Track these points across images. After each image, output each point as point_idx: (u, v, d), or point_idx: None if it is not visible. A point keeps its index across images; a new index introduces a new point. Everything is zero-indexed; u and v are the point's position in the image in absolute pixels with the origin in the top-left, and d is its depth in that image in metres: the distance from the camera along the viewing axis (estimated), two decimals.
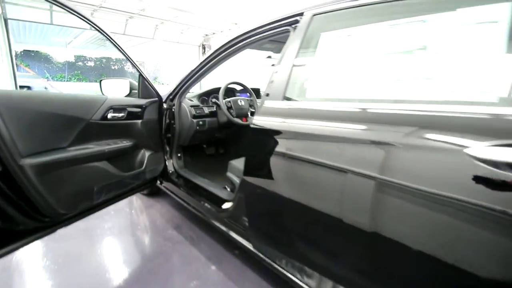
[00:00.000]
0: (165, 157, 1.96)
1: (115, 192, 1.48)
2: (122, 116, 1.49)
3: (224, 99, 2.04)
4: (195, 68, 1.72)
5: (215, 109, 2.12)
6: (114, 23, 7.09)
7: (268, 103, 1.11)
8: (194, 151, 2.35)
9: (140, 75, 1.60)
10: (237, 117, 2.03)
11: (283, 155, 0.98)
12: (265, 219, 1.19)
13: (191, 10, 6.56)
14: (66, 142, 1.22)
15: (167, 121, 1.91)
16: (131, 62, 1.49)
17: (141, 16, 6.94)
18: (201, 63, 1.67)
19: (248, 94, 2.49)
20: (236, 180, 1.61)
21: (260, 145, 1.10)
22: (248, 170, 1.16)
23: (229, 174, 1.71)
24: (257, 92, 2.65)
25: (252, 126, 1.12)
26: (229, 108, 2.03)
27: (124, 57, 1.46)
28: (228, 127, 2.20)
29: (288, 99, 1.06)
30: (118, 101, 1.48)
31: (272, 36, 1.33)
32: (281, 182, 1.01)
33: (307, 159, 0.90)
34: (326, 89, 0.99)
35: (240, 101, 2.11)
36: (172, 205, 2.22)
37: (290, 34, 1.16)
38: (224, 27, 8.06)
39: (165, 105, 1.88)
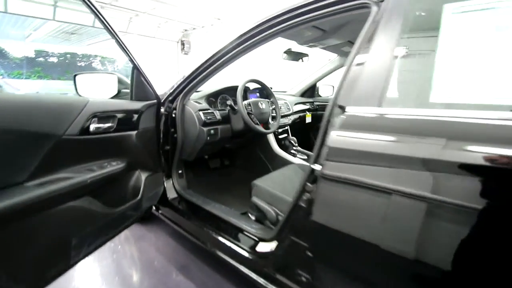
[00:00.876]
0: (163, 176, 1.50)
1: (102, 238, 1.01)
2: (111, 127, 1.03)
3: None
4: (207, 60, 1.29)
5: (227, 113, 1.70)
6: (83, 14, 6.27)
7: (355, 111, 0.74)
8: (196, 165, 1.90)
9: (135, 68, 1.14)
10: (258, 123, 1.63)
11: (388, 190, 0.62)
12: (340, 276, 0.81)
13: (171, 2, 5.97)
14: (24, 173, 0.75)
15: (166, 129, 1.46)
16: (122, 48, 1.04)
17: (113, 7, 6.21)
18: (217, 52, 1.25)
19: (258, 94, 2.09)
20: (268, 209, 1.22)
21: (347, 169, 0.73)
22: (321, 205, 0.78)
23: (255, 199, 1.31)
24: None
25: (332, 145, 0.74)
26: (249, 113, 1.62)
27: (116, 42, 1.00)
28: (242, 135, 1.79)
29: (392, 104, 0.70)
30: (104, 105, 1.02)
31: (326, 17, 0.96)
32: (386, 227, 0.65)
33: (444, 201, 0.54)
34: (466, 89, 0.64)
35: (261, 104, 1.71)
36: (170, 235, 1.76)
37: (373, 10, 0.80)
38: (206, 22, 7.53)
39: (162, 109, 1.43)
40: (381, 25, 0.75)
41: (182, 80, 1.42)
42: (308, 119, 2.61)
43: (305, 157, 1.94)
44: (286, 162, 1.94)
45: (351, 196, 0.70)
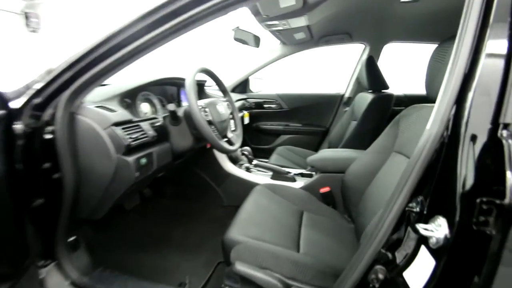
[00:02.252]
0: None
1: None
2: None
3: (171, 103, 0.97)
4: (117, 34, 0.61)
5: (163, 124, 1.00)
6: None
7: None
8: None
9: None
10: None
11: None
12: None
13: None
14: None
15: (32, 165, 0.67)
16: None
17: None
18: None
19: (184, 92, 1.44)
20: (268, 279, 0.74)
21: None
22: None
23: (241, 267, 0.78)
24: (201, 86, 1.63)
25: None
26: (209, 122, 0.98)
27: None
28: (184, 154, 1.13)
29: None
30: None
31: None
32: None
33: None
34: None
35: (220, 106, 1.10)
36: None
37: None
38: None
39: (19, 125, 0.63)
40: None
41: (62, 68, 0.66)
42: (246, 119, 2.15)
43: (269, 172, 1.50)
44: (245, 184, 1.43)
45: None
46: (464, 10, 0.52)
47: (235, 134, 1.21)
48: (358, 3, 1.35)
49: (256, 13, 1.18)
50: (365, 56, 1.96)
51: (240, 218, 0.97)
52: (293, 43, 1.88)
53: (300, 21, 1.30)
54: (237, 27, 1.39)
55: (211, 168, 1.48)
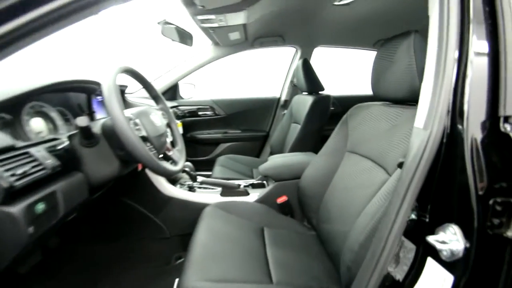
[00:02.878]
0: None
1: None
2: None
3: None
4: None
5: (70, 147, 0.69)
6: None
7: None
8: None
9: None
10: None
11: None
12: None
13: None
14: None
15: None
16: None
17: None
18: None
19: (97, 100, 1.12)
20: None
21: None
22: None
23: None
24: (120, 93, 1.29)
25: None
26: (143, 138, 0.72)
27: None
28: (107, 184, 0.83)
29: None
30: None
31: None
32: None
33: None
34: None
35: (154, 116, 0.84)
36: None
37: None
38: None
39: None
40: None
41: None
42: (180, 129, 1.88)
43: (217, 188, 1.29)
44: (191, 207, 1.19)
45: None
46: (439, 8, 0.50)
47: (176, 150, 0.97)
48: (292, 5, 1.33)
49: (189, 3, 0.98)
50: (297, 60, 2.00)
51: (194, 254, 0.77)
52: (227, 44, 1.74)
53: (238, 18, 1.18)
54: (164, 21, 1.15)
55: (145, 194, 1.19)
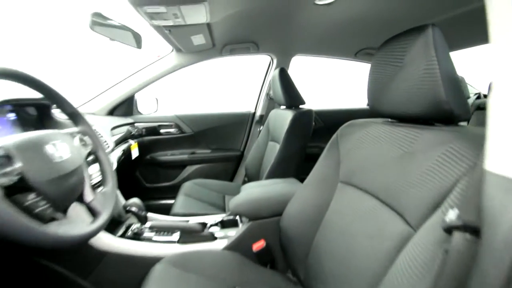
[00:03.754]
0: None
1: None
2: None
3: None
4: None
5: None
6: None
7: None
8: None
9: None
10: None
11: None
12: None
13: None
14: None
15: None
16: None
17: None
18: None
19: (15, 117, 0.80)
20: None
21: None
22: None
23: None
24: (44, 108, 0.95)
25: None
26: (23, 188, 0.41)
27: None
28: None
29: None
30: None
31: None
32: None
33: None
34: None
35: (60, 145, 0.53)
36: None
37: None
38: None
39: None
40: None
41: None
42: (135, 152, 1.55)
43: (175, 233, 0.97)
44: (135, 262, 0.87)
45: None
46: None
47: (101, 194, 0.66)
48: (266, 4, 1.11)
49: None
50: (273, 69, 1.78)
51: None
52: (191, 50, 1.48)
53: (198, 14, 0.92)
54: (95, 13, 0.86)
55: (69, 250, 0.85)
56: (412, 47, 0.58)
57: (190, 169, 1.86)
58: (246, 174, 1.80)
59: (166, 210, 1.35)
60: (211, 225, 1.09)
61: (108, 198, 0.66)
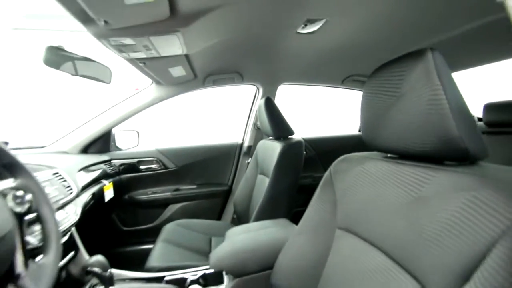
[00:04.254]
0: None
1: None
2: None
3: None
4: None
5: None
6: None
7: None
8: None
9: None
10: None
11: None
12: None
13: None
14: None
15: None
16: None
17: None
18: None
19: None
20: None
21: None
22: None
23: None
24: None
25: None
26: None
27: None
28: None
29: None
30: None
31: None
32: None
33: None
34: None
35: None
36: None
37: None
38: None
39: None
40: None
41: None
42: (109, 193, 1.40)
43: None
44: None
45: None
46: None
47: (36, 267, 0.51)
48: (246, 38, 1.06)
49: (84, 18, 0.63)
50: (259, 99, 1.72)
51: None
52: (172, 82, 1.40)
53: (173, 45, 0.85)
54: (50, 47, 0.76)
55: None
56: (410, 74, 0.50)
57: (173, 208, 1.70)
58: (234, 211, 1.65)
59: (145, 256, 1.18)
60: (191, 282, 0.93)
61: (45, 272, 0.51)
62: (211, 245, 1.34)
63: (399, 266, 0.48)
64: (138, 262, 1.24)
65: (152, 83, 1.42)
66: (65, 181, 1.00)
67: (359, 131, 2.16)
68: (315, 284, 0.68)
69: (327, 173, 0.75)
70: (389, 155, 0.64)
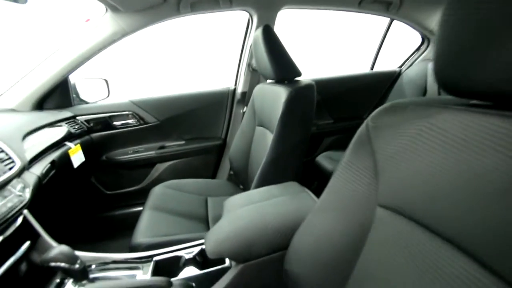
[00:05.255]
0: None
1: None
2: None
3: None
4: None
5: None
6: None
7: None
8: None
9: None
10: None
11: None
12: None
13: None
14: None
15: None
16: None
17: None
18: None
19: None
20: None
21: None
22: None
23: None
24: None
25: None
26: None
27: None
28: None
29: None
30: None
31: None
32: None
33: None
34: None
35: None
36: None
37: None
38: None
39: None
40: None
41: None
42: (78, 157, 1.16)
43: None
44: None
45: None
46: None
47: None
48: None
49: None
50: (253, 31, 1.36)
51: None
52: (134, 8, 1.02)
53: None
54: None
55: None
56: None
57: (160, 167, 1.49)
58: (231, 168, 1.46)
59: (136, 219, 1.04)
60: (186, 262, 0.78)
61: None
62: (208, 207, 1.19)
63: (477, 262, 0.31)
64: (129, 225, 1.10)
65: (107, 10, 1.03)
66: (1, 151, 0.74)
67: (371, 68, 1.85)
68: (345, 278, 0.51)
69: (362, 129, 0.51)
70: (475, 102, 0.40)
